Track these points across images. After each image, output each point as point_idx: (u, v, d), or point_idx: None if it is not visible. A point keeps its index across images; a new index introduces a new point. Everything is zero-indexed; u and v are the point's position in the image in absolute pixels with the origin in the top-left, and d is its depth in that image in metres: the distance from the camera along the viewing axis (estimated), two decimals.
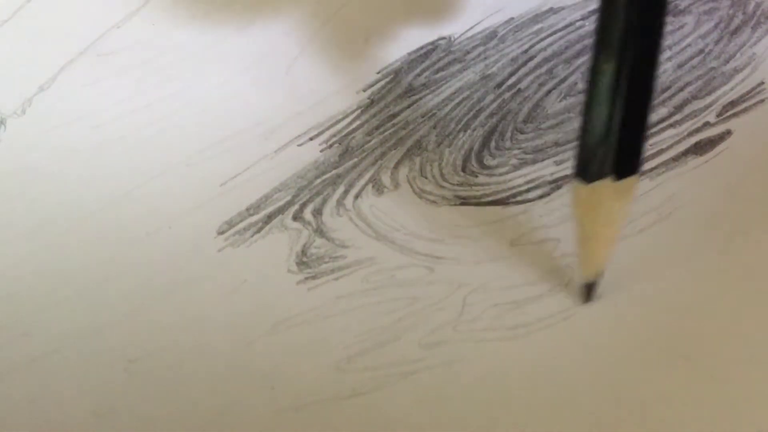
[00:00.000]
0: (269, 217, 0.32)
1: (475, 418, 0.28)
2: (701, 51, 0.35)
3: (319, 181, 0.32)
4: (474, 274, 0.30)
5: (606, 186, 0.25)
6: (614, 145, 0.24)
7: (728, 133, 0.33)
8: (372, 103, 0.34)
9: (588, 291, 0.29)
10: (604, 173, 0.24)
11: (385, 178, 0.33)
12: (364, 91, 0.35)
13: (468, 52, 0.35)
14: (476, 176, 0.33)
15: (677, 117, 0.34)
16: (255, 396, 0.28)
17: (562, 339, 0.29)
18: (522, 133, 0.34)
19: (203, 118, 0.34)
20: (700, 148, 0.33)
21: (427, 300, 0.30)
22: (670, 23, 0.36)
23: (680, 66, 0.35)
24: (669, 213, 0.31)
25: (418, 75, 0.35)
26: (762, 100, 0.34)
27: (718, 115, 0.34)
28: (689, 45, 0.36)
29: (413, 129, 0.34)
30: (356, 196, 0.32)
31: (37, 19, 0.36)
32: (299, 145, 0.33)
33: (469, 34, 0.36)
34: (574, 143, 0.33)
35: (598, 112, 0.24)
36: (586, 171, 0.25)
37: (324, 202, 0.32)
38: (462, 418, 0.28)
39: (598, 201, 0.25)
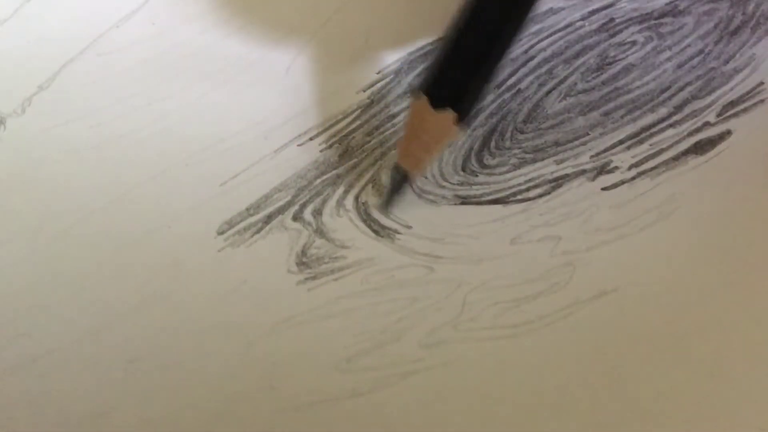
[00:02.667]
0: (269, 218, 0.32)
1: (475, 417, 0.28)
2: (701, 51, 0.35)
3: (319, 181, 0.32)
4: (474, 273, 0.30)
5: (423, 102, 0.28)
6: (434, 71, 0.29)
7: (728, 133, 0.33)
8: (372, 103, 0.34)
9: (391, 188, 0.31)
10: (423, 89, 0.29)
11: (385, 178, 0.33)
12: (364, 91, 0.35)
13: None
14: (476, 176, 0.33)
15: (677, 117, 0.34)
16: (255, 396, 0.28)
17: (562, 337, 0.29)
18: (522, 132, 0.34)
19: (203, 117, 0.34)
20: (700, 148, 0.33)
21: (427, 300, 0.30)
22: (670, 23, 0.36)
23: (680, 66, 0.35)
24: (669, 213, 0.31)
25: (418, 75, 0.35)
26: (762, 100, 0.34)
27: (718, 115, 0.34)
28: (689, 45, 0.36)
29: None
30: (356, 196, 0.32)
31: (37, 19, 0.36)
32: (299, 145, 0.33)
33: None
34: (573, 142, 0.33)
35: (442, 44, 0.29)
36: (419, 85, 0.29)
37: (324, 202, 0.32)
38: (462, 417, 0.28)
39: (416, 111, 0.29)
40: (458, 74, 0.29)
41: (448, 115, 0.28)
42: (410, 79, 0.35)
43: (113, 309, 0.30)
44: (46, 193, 0.32)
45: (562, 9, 0.37)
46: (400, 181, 0.31)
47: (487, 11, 0.28)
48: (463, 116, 0.29)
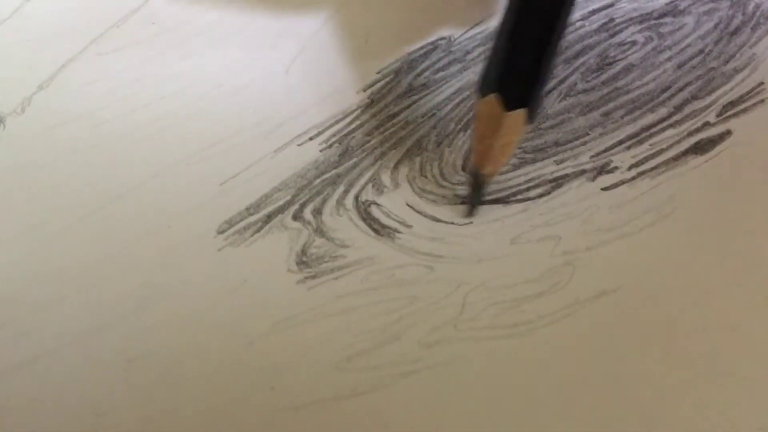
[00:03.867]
0: (269, 217, 0.32)
1: (475, 417, 0.28)
2: (701, 51, 0.35)
3: (319, 180, 0.32)
4: (474, 273, 0.30)
5: (490, 104, 0.28)
6: (504, 70, 0.28)
7: (728, 133, 0.33)
8: (372, 103, 0.34)
9: (475, 196, 0.30)
10: (492, 90, 0.28)
11: (385, 178, 0.33)
12: (364, 91, 0.35)
13: (468, 52, 0.35)
14: None
15: (677, 117, 0.34)
16: (255, 396, 0.28)
17: (562, 337, 0.29)
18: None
19: (203, 117, 0.34)
20: (700, 148, 0.33)
21: (427, 299, 0.30)
22: (670, 23, 0.36)
23: (680, 66, 0.35)
24: (669, 213, 0.31)
25: (418, 75, 0.35)
26: (762, 100, 0.34)
27: (718, 115, 0.34)
28: (689, 45, 0.36)
29: (413, 129, 0.34)
30: (356, 196, 0.32)
31: (37, 18, 0.36)
32: (299, 145, 0.33)
33: (469, 34, 0.36)
34: (573, 142, 0.33)
35: (500, 41, 0.28)
36: (481, 85, 0.29)
37: (324, 201, 0.32)
38: (462, 417, 0.28)
39: (483, 113, 0.28)
40: (525, 71, 0.28)
41: (521, 114, 0.28)
42: (410, 78, 0.35)
43: (113, 308, 0.30)
44: (46, 193, 0.32)
45: None
46: (480, 185, 0.30)
47: (537, 4, 0.28)
48: (534, 112, 0.28)
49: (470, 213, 0.31)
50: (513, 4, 0.28)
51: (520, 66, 0.28)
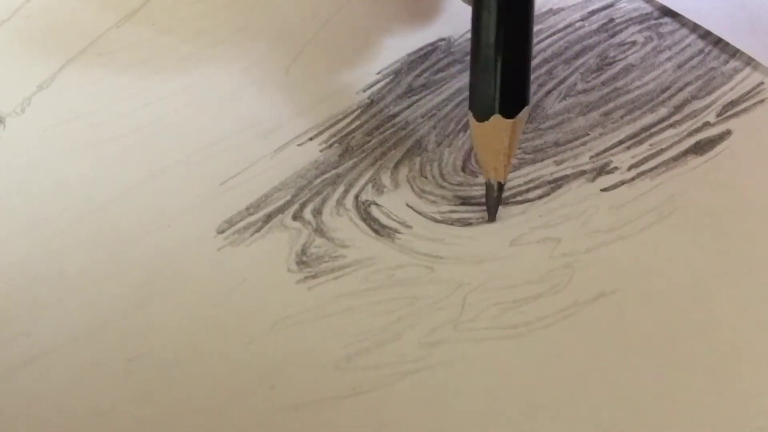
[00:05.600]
0: (269, 217, 0.32)
1: (475, 417, 0.28)
2: (701, 51, 0.35)
3: (319, 180, 0.32)
4: (474, 274, 0.30)
5: (494, 123, 0.29)
6: (498, 91, 0.29)
7: (728, 133, 0.33)
8: (372, 103, 0.34)
9: (495, 202, 0.31)
10: (491, 114, 0.29)
11: (385, 178, 0.33)
12: (364, 91, 0.35)
13: (468, 53, 0.35)
14: (476, 176, 0.33)
15: (677, 117, 0.34)
16: (255, 395, 0.28)
17: (562, 338, 0.29)
18: (522, 133, 0.34)
19: (203, 117, 0.34)
20: (700, 148, 0.33)
21: (427, 299, 0.30)
22: (670, 23, 0.36)
23: (680, 66, 0.35)
24: (669, 213, 0.31)
25: (418, 76, 0.35)
26: (762, 100, 0.34)
27: (718, 115, 0.34)
28: (689, 45, 0.36)
29: (413, 129, 0.34)
30: (356, 196, 0.32)
31: (37, 18, 0.36)
32: (299, 145, 0.33)
33: (469, 35, 0.36)
34: (572, 143, 0.33)
35: (483, 63, 0.29)
36: (478, 112, 0.29)
37: (324, 201, 0.32)
38: (462, 417, 0.28)
39: (489, 134, 0.29)
40: (517, 80, 0.29)
41: (525, 113, 0.29)
42: (410, 79, 0.35)
43: (113, 308, 0.30)
44: (46, 192, 0.32)
45: (562, 9, 0.37)
46: (499, 192, 0.31)
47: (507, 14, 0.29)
48: (512, 112, 0.29)
49: (494, 217, 0.31)
50: (485, 18, 0.29)
51: (512, 78, 0.29)
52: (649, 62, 0.35)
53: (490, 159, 0.30)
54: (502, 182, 0.30)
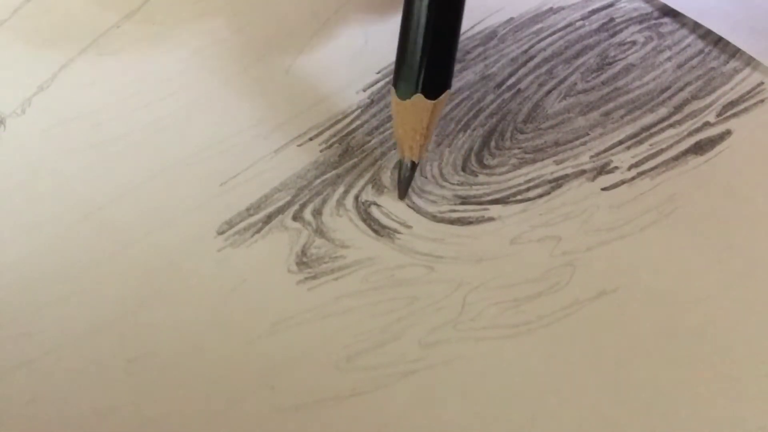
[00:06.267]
0: (269, 217, 0.32)
1: (475, 417, 0.28)
2: (701, 51, 0.35)
3: (319, 181, 0.32)
4: (474, 273, 0.30)
5: (415, 102, 0.29)
6: (423, 72, 0.29)
7: (728, 133, 0.33)
8: (372, 103, 0.34)
9: (405, 180, 0.31)
10: (413, 93, 0.29)
11: (385, 178, 0.33)
12: (364, 91, 0.35)
13: (468, 52, 0.35)
14: (476, 176, 0.33)
15: (677, 117, 0.34)
16: (255, 396, 0.28)
17: (562, 337, 0.29)
18: (522, 133, 0.34)
19: (203, 117, 0.34)
20: (700, 148, 0.33)
21: (427, 299, 0.30)
22: (670, 23, 0.36)
23: (680, 66, 0.35)
24: (669, 213, 0.31)
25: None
26: (762, 100, 0.34)
27: (718, 115, 0.34)
28: (689, 45, 0.36)
29: None
30: (356, 197, 0.32)
31: (37, 19, 0.36)
32: (299, 145, 0.33)
33: (469, 34, 0.36)
34: (573, 143, 0.33)
35: (409, 42, 0.29)
36: (400, 89, 0.30)
37: (324, 202, 0.32)
38: (462, 417, 0.28)
39: (409, 112, 0.30)
40: (442, 63, 0.30)
41: (446, 95, 0.30)
42: None
43: (113, 308, 0.30)
44: (46, 192, 0.32)
45: (563, 8, 0.37)
46: (411, 171, 0.31)
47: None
48: (434, 94, 0.29)
49: (405, 194, 0.32)
50: (416, 3, 0.29)
51: (438, 61, 0.30)
52: (649, 62, 0.35)
53: (408, 137, 0.30)
54: (416, 161, 0.31)
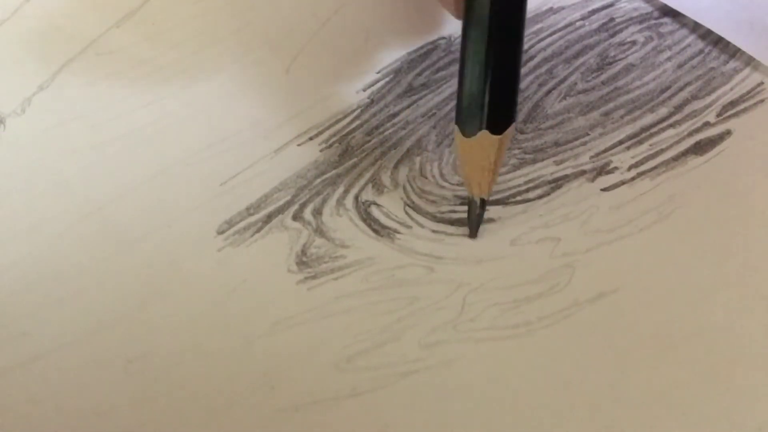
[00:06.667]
0: (269, 217, 0.32)
1: (475, 418, 0.28)
2: (701, 51, 0.35)
3: (319, 180, 0.32)
4: (474, 274, 0.30)
5: (480, 140, 0.29)
6: (486, 108, 0.29)
7: (728, 133, 0.33)
8: (372, 103, 0.34)
9: (476, 218, 0.31)
10: (479, 130, 0.29)
11: (385, 178, 0.33)
12: (364, 91, 0.35)
13: None
14: None
15: (677, 117, 0.34)
16: (255, 396, 0.28)
17: (562, 338, 0.29)
18: (522, 133, 0.34)
19: (203, 117, 0.34)
20: (700, 148, 0.33)
21: (427, 300, 0.30)
22: (670, 23, 0.36)
23: (680, 66, 0.35)
24: (669, 213, 0.31)
25: (418, 75, 0.35)
26: (762, 100, 0.34)
27: (718, 115, 0.34)
28: (689, 45, 0.36)
29: (413, 129, 0.34)
30: (356, 196, 0.32)
31: (37, 19, 0.36)
32: (299, 145, 0.33)
33: None
34: (573, 143, 0.33)
35: (472, 79, 0.29)
36: (465, 127, 0.29)
37: (324, 202, 0.32)
38: (462, 418, 0.28)
39: (476, 149, 0.29)
40: (505, 97, 0.29)
41: (512, 129, 0.29)
42: (411, 78, 0.35)
43: (113, 309, 0.30)
44: (46, 192, 0.32)
45: (563, 8, 0.37)
46: (481, 208, 0.31)
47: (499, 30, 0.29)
48: (499, 129, 0.29)
49: (476, 233, 0.31)
50: (475, 35, 0.29)
51: (501, 96, 0.29)
52: (649, 62, 0.35)
53: (475, 175, 0.30)
54: (486, 198, 0.30)
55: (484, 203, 0.30)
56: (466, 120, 0.29)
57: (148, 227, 0.31)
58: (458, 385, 0.28)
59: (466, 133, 0.29)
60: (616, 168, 0.32)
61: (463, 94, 0.29)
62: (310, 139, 0.33)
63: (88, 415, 0.28)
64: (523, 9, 0.29)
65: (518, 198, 0.32)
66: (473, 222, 0.31)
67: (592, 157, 0.33)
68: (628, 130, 0.33)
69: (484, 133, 0.29)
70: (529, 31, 0.36)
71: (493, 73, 0.29)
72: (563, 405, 0.28)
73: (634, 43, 0.36)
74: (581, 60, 0.35)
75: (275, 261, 0.31)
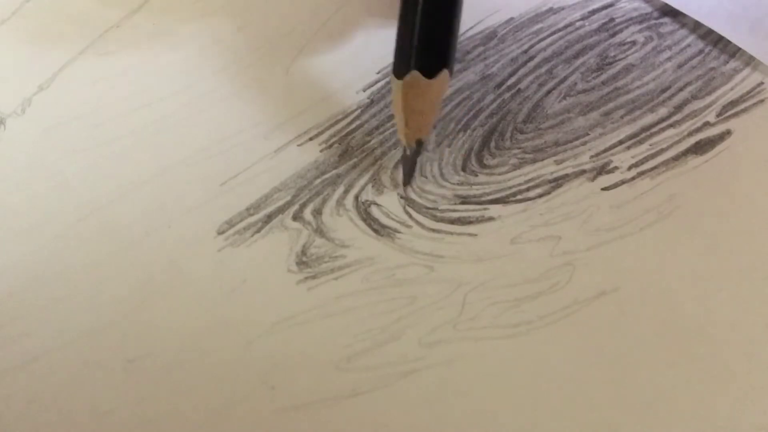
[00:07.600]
0: (269, 217, 0.32)
1: (475, 417, 0.28)
2: (701, 51, 0.35)
3: (319, 181, 0.32)
4: (474, 273, 0.30)
5: (411, 81, 0.29)
6: (416, 49, 0.29)
7: (728, 133, 0.33)
8: (372, 103, 0.34)
9: (410, 165, 0.31)
10: (408, 70, 0.28)
11: (385, 178, 0.33)
12: (364, 91, 0.35)
13: (468, 52, 0.35)
14: (476, 175, 0.33)
15: (677, 117, 0.34)
16: (255, 396, 0.28)
17: (562, 337, 0.29)
18: (522, 132, 0.34)
19: (203, 118, 0.34)
20: (700, 148, 0.33)
21: (427, 299, 0.30)
22: (670, 23, 0.36)
23: (680, 66, 0.35)
24: (669, 212, 0.31)
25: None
26: (762, 100, 0.34)
27: (718, 115, 0.34)
28: (689, 45, 0.36)
29: None
30: (356, 196, 0.32)
31: (37, 18, 0.36)
32: (299, 145, 0.33)
33: (469, 34, 0.36)
34: (573, 142, 0.33)
35: (405, 22, 0.29)
36: (396, 68, 0.29)
37: (324, 202, 0.32)
38: (462, 417, 0.28)
39: (407, 92, 0.29)
40: (438, 42, 0.29)
41: (445, 75, 0.29)
42: None
43: (113, 308, 0.30)
44: (46, 193, 0.32)
45: (563, 8, 0.37)
46: (415, 153, 0.31)
47: None
48: (433, 71, 0.29)
49: (409, 183, 0.32)
50: None
51: (433, 37, 0.29)
52: (649, 62, 0.35)
53: (407, 118, 0.29)
54: (412, 145, 0.30)
55: (420, 147, 0.30)
56: (397, 61, 0.29)
57: (148, 227, 0.31)
58: (458, 385, 0.28)
59: (397, 74, 0.29)
60: (616, 167, 0.32)
61: (397, 36, 0.29)
62: (310, 139, 0.33)
63: (88, 415, 0.28)
64: None
65: (518, 197, 0.32)
66: (405, 169, 0.31)
67: (592, 156, 0.33)
68: (628, 129, 0.33)
69: (415, 74, 0.28)
70: (529, 31, 0.36)
71: (425, 15, 0.28)
72: (563, 404, 0.28)
73: (634, 43, 0.36)
74: (581, 60, 0.35)
75: (275, 261, 0.31)
